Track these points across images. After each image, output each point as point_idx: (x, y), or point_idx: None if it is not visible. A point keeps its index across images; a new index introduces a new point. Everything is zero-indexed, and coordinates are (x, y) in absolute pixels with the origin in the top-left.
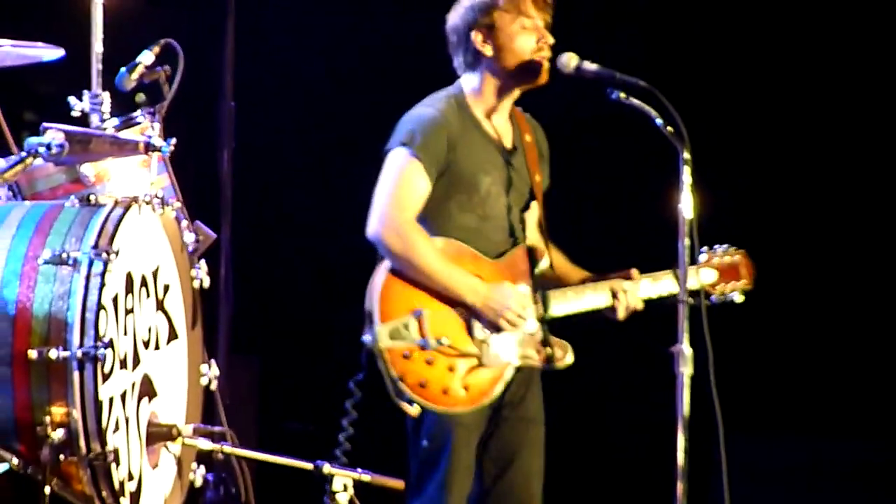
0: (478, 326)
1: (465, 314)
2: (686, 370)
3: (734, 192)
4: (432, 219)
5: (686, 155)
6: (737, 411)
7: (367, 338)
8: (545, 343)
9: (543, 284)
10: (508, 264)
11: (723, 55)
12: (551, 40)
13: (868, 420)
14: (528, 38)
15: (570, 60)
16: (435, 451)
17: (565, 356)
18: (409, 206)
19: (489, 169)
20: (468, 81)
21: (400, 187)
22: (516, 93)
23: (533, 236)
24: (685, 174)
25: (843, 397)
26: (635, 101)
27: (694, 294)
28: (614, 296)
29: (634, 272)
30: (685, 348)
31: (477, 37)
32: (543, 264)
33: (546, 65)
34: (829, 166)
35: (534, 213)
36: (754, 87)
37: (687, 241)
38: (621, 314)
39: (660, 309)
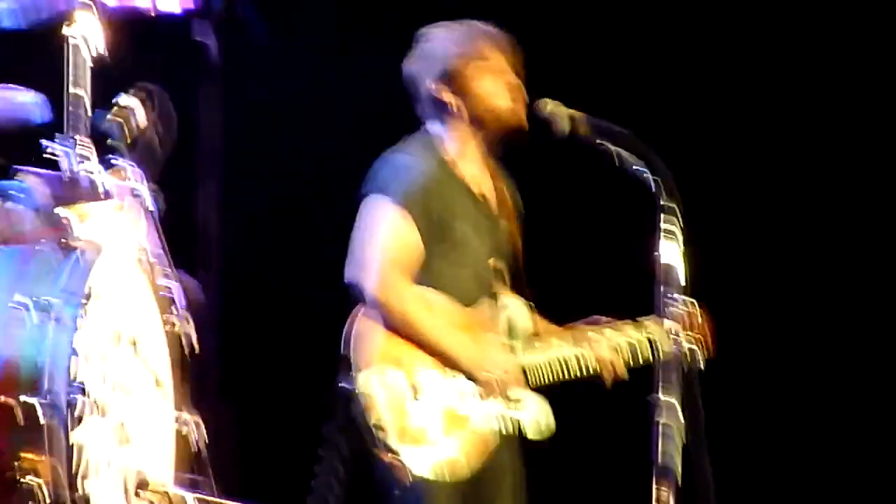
0: (468, 388)
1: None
2: (663, 420)
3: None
4: None
5: (662, 200)
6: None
7: (344, 384)
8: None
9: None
10: (480, 313)
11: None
12: (517, 82)
13: None
14: (494, 84)
15: (547, 107)
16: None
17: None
18: (403, 263)
19: (464, 216)
20: (435, 128)
21: (390, 241)
22: (489, 139)
23: (513, 286)
24: (662, 216)
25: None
26: (607, 144)
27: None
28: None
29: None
30: (663, 397)
31: (439, 88)
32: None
33: (518, 110)
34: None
35: (509, 263)
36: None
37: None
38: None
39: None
